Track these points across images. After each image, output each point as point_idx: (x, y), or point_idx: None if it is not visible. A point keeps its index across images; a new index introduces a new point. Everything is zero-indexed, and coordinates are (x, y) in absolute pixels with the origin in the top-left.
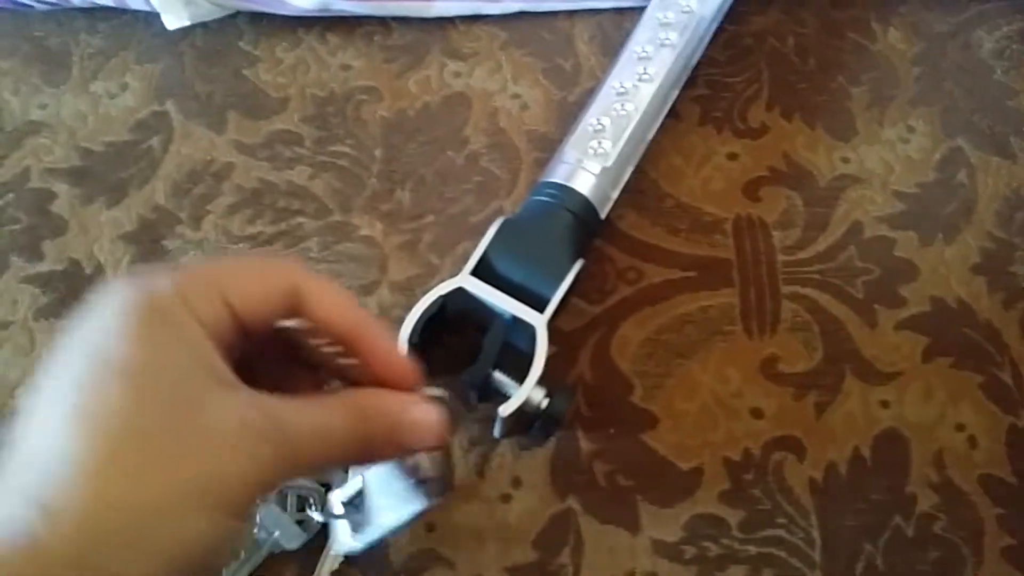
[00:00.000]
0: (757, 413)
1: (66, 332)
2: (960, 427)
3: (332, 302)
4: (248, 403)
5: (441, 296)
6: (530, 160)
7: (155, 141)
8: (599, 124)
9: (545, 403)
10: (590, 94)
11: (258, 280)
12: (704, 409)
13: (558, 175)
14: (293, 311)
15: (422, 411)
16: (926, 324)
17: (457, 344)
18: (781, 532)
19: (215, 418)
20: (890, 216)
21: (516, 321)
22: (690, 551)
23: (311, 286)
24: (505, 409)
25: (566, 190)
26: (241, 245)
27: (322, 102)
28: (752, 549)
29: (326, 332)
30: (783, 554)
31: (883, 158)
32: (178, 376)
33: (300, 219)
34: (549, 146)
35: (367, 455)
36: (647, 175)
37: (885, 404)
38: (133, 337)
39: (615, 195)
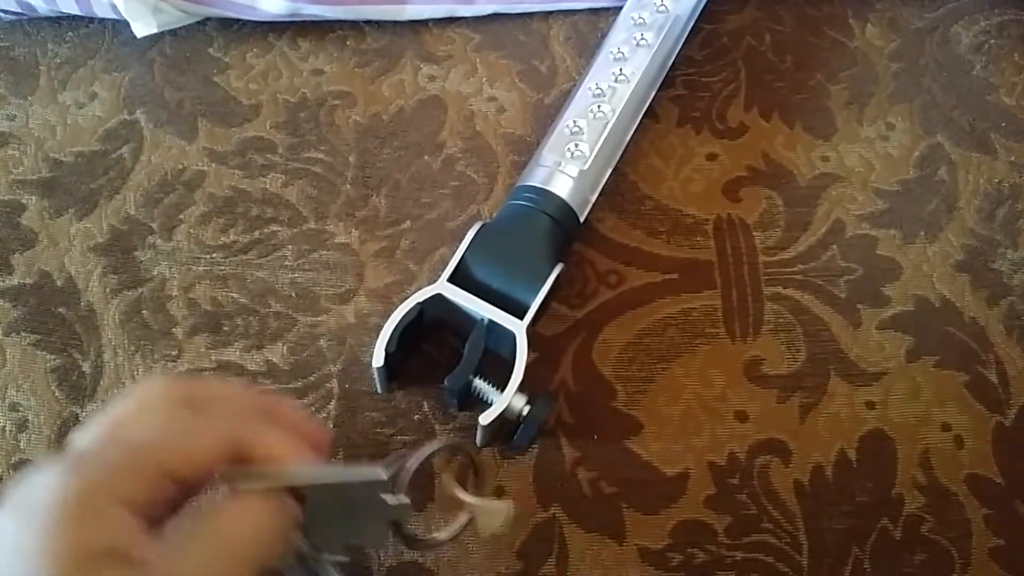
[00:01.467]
0: (741, 416)
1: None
2: (946, 427)
3: (275, 451)
4: None
5: (419, 303)
6: (507, 163)
7: (125, 150)
8: (576, 126)
9: (526, 410)
10: (567, 96)
11: (197, 450)
12: (688, 413)
13: (536, 178)
14: (240, 457)
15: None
16: (910, 323)
17: (435, 352)
18: (767, 537)
19: None
20: (871, 214)
21: (496, 327)
22: (676, 558)
23: (254, 438)
24: (485, 417)
25: (544, 193)
26: (214, 255)
27: (294, 108)
28: (739, 555)
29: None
30: (770, 559)
31: (863, 156)
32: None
33: (274, 227)
34: (526, 149)
35: None
36: (626, 177)
37: (870, 405)
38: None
39: (594, 198)
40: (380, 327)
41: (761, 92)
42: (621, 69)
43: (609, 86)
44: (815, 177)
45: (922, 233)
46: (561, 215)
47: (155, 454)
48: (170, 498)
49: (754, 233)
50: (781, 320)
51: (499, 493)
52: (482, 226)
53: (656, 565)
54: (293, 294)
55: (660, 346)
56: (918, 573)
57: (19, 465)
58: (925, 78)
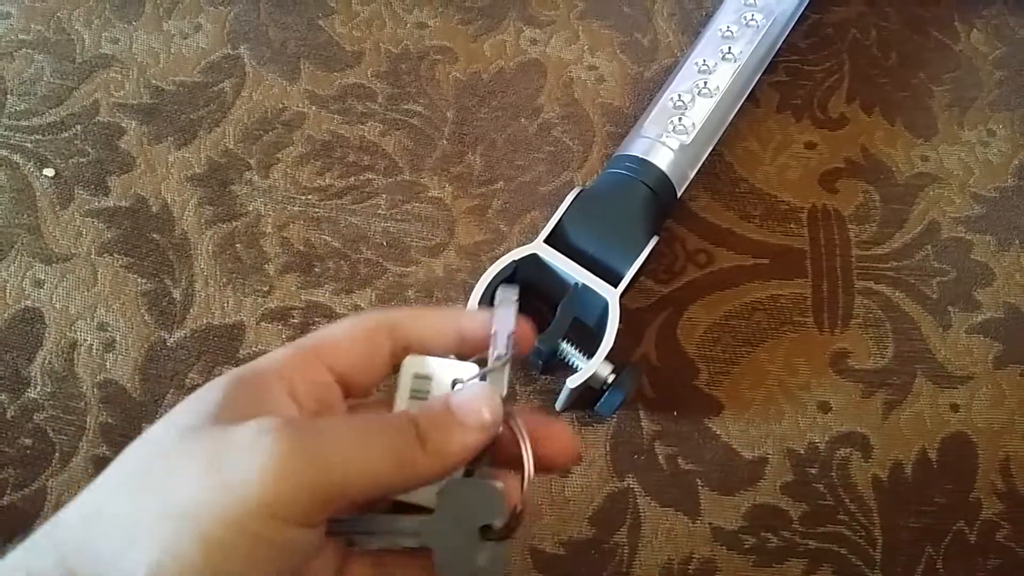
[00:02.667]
0: (824, 407)
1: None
2: None
3: (430, 329)
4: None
5: (515, 261)
6: (603, 133)
7: (227, 85)
8: (680, 100)
9: (612, 379)
10: (669, 70)
11: (361, 349)
12: (770, 399)
13: (636, 149)
14: (397, 355)
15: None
16: (999, 330)
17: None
18: (842, 529)
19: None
20: (967, 218)
21: (585, 294)
22: (749, 541)
23: (407, 325)
24: (574, 380)
25: (645, 164)
26: (309, 196)
27: (396, 59)
28: (812, 544)
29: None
30: (843, 551)
31: (962, 159)
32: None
33: (370, 175)
34: (623, 121)
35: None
36: (722, 158)
37: (955, 407)
38: (215, 401)
39: (692, 173)
40: (468, 283)
41: (864, 86)
42: (729, 47)
43: (716, 63)
44: (913, 176)
45: (1017, 242)
46: (660, 187)
47: (314, 347)
48: (330, 393)
49: (849, 226)
50: (871, 315)
51: (576, 459)
52: (581, 191)
53: (728, 545)
54: (384, 243)
55: (746, 330)
56: None
57: (104, 384)
58: None
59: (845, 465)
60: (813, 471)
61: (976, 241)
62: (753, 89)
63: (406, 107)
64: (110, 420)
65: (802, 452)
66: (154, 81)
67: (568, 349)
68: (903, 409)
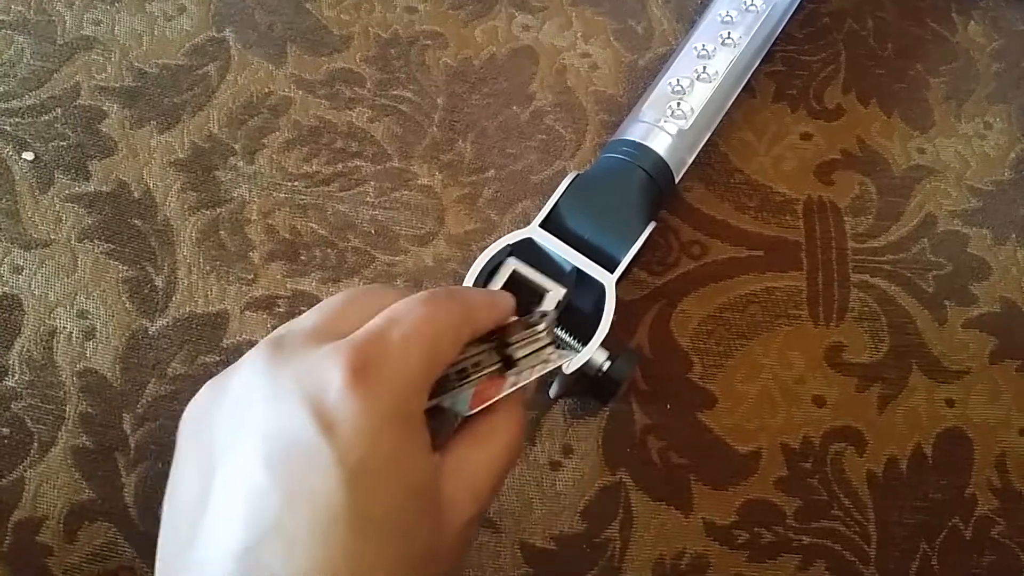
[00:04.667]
0: (819, 401)
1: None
2: None
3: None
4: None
5: (509, 245)
6: (596, 122)
7: (211, 68)
8: (679, 85)
9: (607, 366)
10: (664, 59)
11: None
12: (764, 393)
13: (634, 133)
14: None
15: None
16: (995, 324)
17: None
18: (837, 524)
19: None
20: (964, 212)
21: (581, 280)
22: (743, 536)
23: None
24: (569, 366)
25: (642, 149)
26: (295, 183)
27: (385, 43)
28: (806, 539)
29: None
30: (837, 547)
31: (959, 152)
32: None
33: (358, 162)
34: (617, 109)
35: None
36: (717, 148)
37: (950, 402)
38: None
39: (691, 159)
40: (458, 273)
41: (860, 77)
42: (728, 33)
43: (715, 48)
44: (910, 168)
45: (1013, 236)
46: (657, 172)
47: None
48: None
49: (845, 218)
50: (866, 309)
51: (567, 453)
52: (577, 176)
53: (721, 541)
54: (372, 231)
55: (740, 322)
56: (985, 575)
57: (84, 373)
58: None
59: (839, 460)
60: (807, 466)
61: (972, 235)
62: (749, 78)
63: (395, 93)
64: (90, 410)
65: (796, 447)
66: (137, 64)
67: (563, 336)
68: (898, 404)
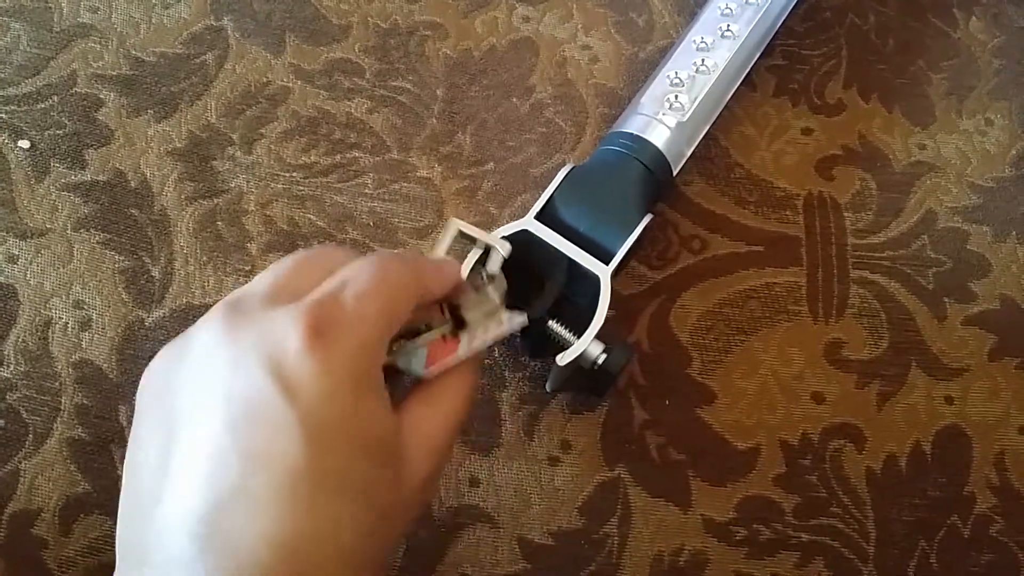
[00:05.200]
0: (818, 397)
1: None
2: (1023, 430)
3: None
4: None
5: (504, 236)
6: (597, 115)
7: (209, 57)
8: (677, 78)
9: (603, 358)
10: (664, 51)
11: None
12: (764, 389)
13: (632, 126)
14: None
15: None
16: (995, 322)
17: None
18: (835, 521)
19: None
20: (964, 208)
21: (576, 273)
22: (741, 533)
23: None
24: (563, 358)
25: (640, 141)
26: (294, 174)
27: (385, 34)
28: (804, 536)
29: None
30: (836, 544)
31: (960, 148)
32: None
33: (356, 153)
34: (617, 102)
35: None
36: (718, 142)
37: (949, 400)
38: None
39: (689, 152)
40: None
41: (862, 72)
42: (728, 25)
43: (714, 41)
44: (911, 164)
45: (1014, 233)
46: (655, 165)
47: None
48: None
49: (845, 214)
50: (866, 305)
51: (565, 448)
52: (574, 168)
53: (719, 537)
54: (371, 223)
55: (740, 318)
56: (984, 574)
57: (79, 364)
58: None
59: (838, 457)
60: (806, 463)
61: (973, 231)
62: (750, 73)
63: (394, 84)
64: (85, 401)
65: (795, 443)
66: (134, 52)
67: (558, 329)
68: (897, 401)
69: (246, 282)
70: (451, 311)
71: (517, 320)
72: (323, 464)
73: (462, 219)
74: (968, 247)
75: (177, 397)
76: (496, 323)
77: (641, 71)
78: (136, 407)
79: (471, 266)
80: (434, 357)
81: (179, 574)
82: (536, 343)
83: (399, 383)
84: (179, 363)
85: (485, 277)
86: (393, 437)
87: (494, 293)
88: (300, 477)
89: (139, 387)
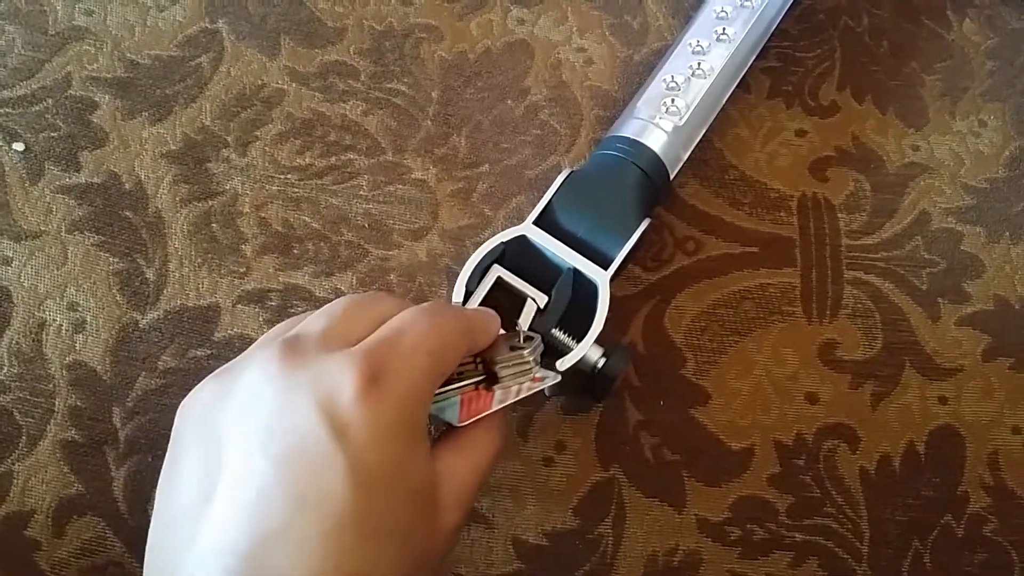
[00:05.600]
0: (812, 398)
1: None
2: (1016, 430)
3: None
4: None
5: (503, 243)
6: (591, 117)
7: (204, 59)
8: (673, 81)
9: (602, 362)
10: (659, 54)
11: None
12: (758, 389)
13: (628, 130)
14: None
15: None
16: (989, 322)
17: (507, 300)
18: (829, 521)
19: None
20: (958, 209)
21: (575, 277)
22: (735, 533)
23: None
24: (563, 363)
25: (636, 145)
26: (288, 176)
27: (380, 36)
28: (798, 536)
29: None
30: (830, 544)
31: (953, 150)
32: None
33: (351, 155)
34: (612, 104)
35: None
36: (712, 144)
37: (943, 400)
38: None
39: (686, 155)
40: (451, 268)
41: (855, 74)
42: (724, 29)
43: (710, 44)
44: (904, 165)
45: (1007, 233)
46: (652, 169)
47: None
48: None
49: (839, 215)
50: (860, 306)
51: (560, 449)
52: (571, 173)
53: (714, 537)
54: (366, 225)
55: (734, 319)
56: (977, 573)
57: (73, 366)
58: (1021, 79)
59: (832, 457)
60: (800, 463)
61: (966, 232)
62: (744, 75)
63: (389, 86)
64: (79, 403)
65: (789, 444)
66: (129, 54)
67: (558, 335)
68: (891, 401)
69: (241, 284)
70: (481, 360)
71: (550, 379)
72: (369, 508)
73: (456, 222)
74: (962, 248)
75: (223, 429)
76: (529, 381)
77: (636, 74)
78: (174, 435)
79: (468, 275)
80: (467, 408)
81: None
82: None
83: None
84: (226, 397)
85: (522, 338)
86: (432, 486)
87: (530, 355)
88: (346, 519)
89: (179, 414)
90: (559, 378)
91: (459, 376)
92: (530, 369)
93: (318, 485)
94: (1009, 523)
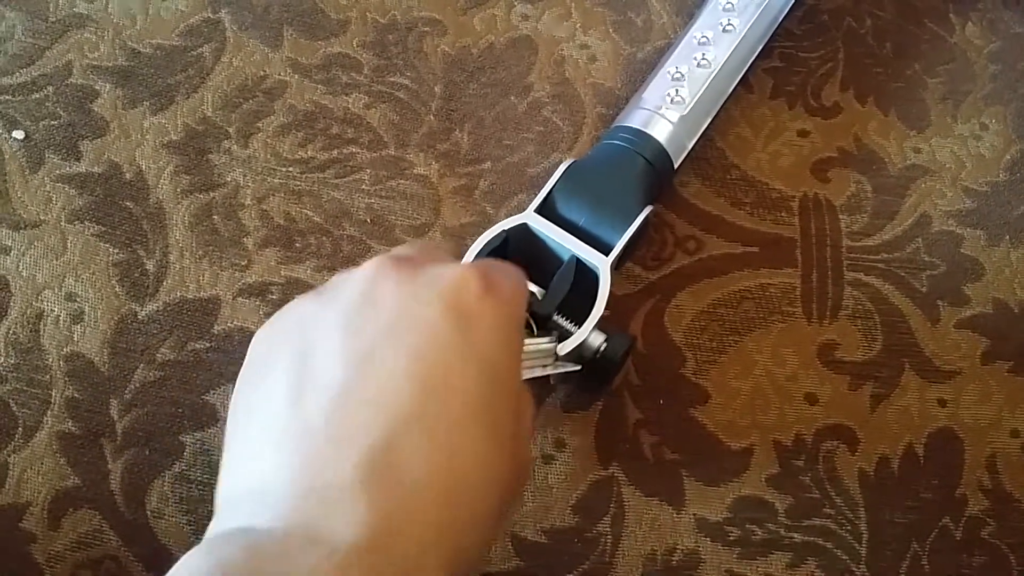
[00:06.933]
0: (811, 399)
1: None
2: (1015, 433)
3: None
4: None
5: (505, 231)
6: (594, 114)
7: (206, 49)
8: (679, 72)
9: (604, 347)
10: (662, 52)
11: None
12: (757, 389)
13: (634, 120)
14: None
15: None
16: (988, 325)
17: None
18: (828, 522)
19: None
20: (959, 212)
21: (577, 264)
22: (734, 533)
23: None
24: (564, 347)
25: (641, 135)
26: (290, 168)
27: (383, 29)
28: (797, 537)
29: None
30: (828, 545)
31: (955, 153)
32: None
33: (353, 148)
34: (615, 102)
35: None
36: (714, 143)
37: (942, 402)
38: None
39: (690, 146)
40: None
41: (858, 75)
42: (729, 20)
43: (715, 36)
44: (906, 167)
45: (1007, 237)
46: (656, 159)
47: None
48: None
49: (840, 216)
50: (860, 307)
51: (559, 446)
52: (574, 162)
53: (713, 537)
54: (368, 219)
55: (734, 318)
56: (975, 575)
57: (71, 357)
58: (1022, 83)
59: (831, 458)
60: (799, 463)
61: (967, 235)
62: (747, 73)
63: (392, 79)
64: (76, 395)
65: (788, 444)
66: (130, 43)
67: (560, 321)
68: (890, 403)
69: (242, 277)
70: None
71: (570, 366)
72: (492, 403)
73: (458, 219)
74: (962, 251)
75: (322, 340)
76: (552, 364)
77: (639, 71)
78: (251, 359)
79: (475, 254)
80: None
81: (341, 498)
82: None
83: None
84: (330, 303)
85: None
86: (523, 404)
87: (551, 343)
88: (474, 410)
89: (264, 330)
90: (578, 368)
91: None
92: (550, 353)
93: (446, 376)
94: (1007, 526)
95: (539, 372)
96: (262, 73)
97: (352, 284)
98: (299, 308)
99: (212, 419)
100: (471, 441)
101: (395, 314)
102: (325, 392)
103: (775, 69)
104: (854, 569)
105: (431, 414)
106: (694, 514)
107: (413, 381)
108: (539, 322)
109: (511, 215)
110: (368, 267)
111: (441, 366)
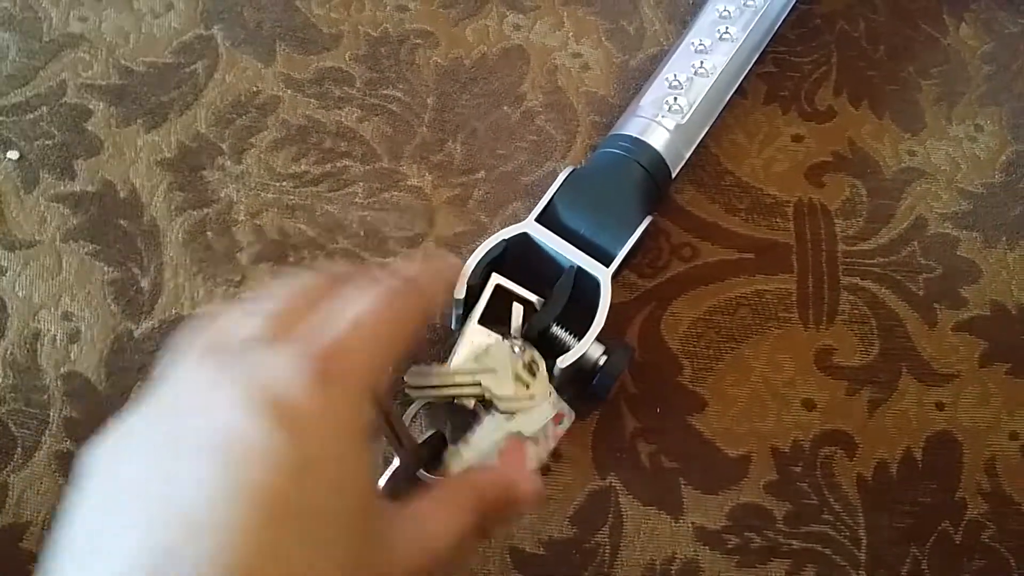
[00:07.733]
0: (809, 404)
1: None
2: (1014, 435)
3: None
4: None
5: (505, 240)
6: (587, 123)
7: (199, 66)
8: (676, 80)
9: (603, 360)
10: (655, 59)
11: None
12: (754, 396)
13: (631, 128)
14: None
15: (530, 484)
16: (985, 328)
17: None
18: (827, 528)
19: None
20: (954, 214)
21: (577, 274)
22: (733, 540)
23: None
24: (564, 360)
25: (639, 144)
26: (284, 183)
27: (375, 42)
28: (796, 543)
29: None
30: (827, 551)
31: (950, 154)
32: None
33: (347, 162)
34: (608, 110)
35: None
36: (708, 150)
37: (940, 406)
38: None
39: (688, 154)
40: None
41: (852, 78)
42: (727, 28)
43: (712, 43)
44: (901, 170)
45: (1004, 239)
46: (654, 167)
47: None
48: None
49: (835, 220)
50: (856, 312)
51: (556, 457)
52: (573, 171)
53: (711, 545)
54: (361, 232)
55: (730, 325)
56: None
57: (68, 376)
58: (1017, 83)
59: (829, 464)
60: (797, 470)
61: (963, 237)
62: (744, 77)
63: (385, 92)
64: (74, 414)
65: (786, 451)
66: (123, 62)
67: (559, 332)
68: (888, 407)
69: (236, 292)
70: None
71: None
72: (308, 502)
73: (452, 228)
74: (958, 253)
75: (125, 469)
76: (552, 435)
77: (632, 79)
78: (83, 484)
79: (470, 272)
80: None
81: None
82: (537, 345)
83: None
84: (146, 418)
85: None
86: (373, 501)
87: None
88: (283, 511)
89: (85, 465)
90: (569, 421)
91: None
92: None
93: (249, 476)
94: (1007, 529)
95: (544, 458)
96: (255, 88)
97: (167, 392)
98: (107, 438)
99: None
100: (285, 546)
101: (201, 426)
102: (94, 531)
103: (768, 74)
104: (853, 574)
105: (234, 517)
106: (692, 522)
107: (211, 488)
108: (538, 334)
109: (505, 224)
110: (186, 363)
111: (245, 467)
